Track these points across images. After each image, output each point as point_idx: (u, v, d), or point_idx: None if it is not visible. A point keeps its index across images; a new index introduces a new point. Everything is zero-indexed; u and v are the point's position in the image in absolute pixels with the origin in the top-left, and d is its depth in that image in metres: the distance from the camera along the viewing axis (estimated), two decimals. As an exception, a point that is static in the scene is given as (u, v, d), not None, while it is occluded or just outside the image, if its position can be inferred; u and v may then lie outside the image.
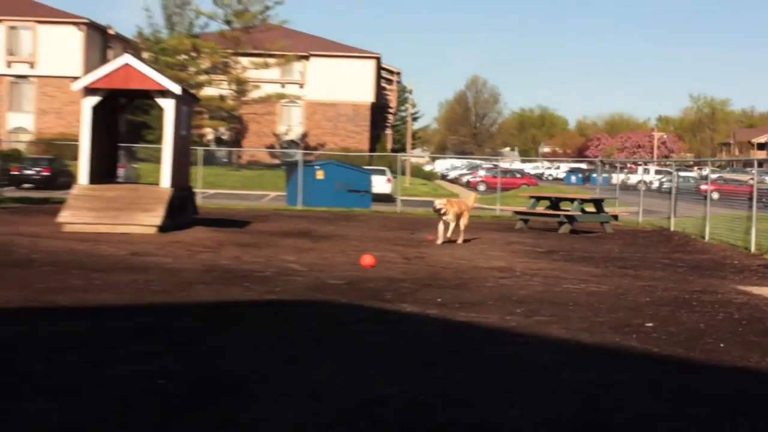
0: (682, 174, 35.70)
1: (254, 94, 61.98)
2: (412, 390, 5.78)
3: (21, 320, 7.93)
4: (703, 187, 30.50)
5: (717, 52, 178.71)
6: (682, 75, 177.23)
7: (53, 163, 44.19)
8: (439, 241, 17.16)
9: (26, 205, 26.61)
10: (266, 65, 60.94)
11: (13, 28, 63.75)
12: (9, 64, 63.58)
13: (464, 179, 68.29)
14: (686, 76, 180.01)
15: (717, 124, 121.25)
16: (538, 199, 25.96)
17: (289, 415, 5.10)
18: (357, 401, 5.46)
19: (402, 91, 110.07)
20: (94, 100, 19.09)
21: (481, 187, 56.80)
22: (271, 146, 66.49)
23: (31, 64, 63.74)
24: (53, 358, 6.36)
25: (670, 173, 35.09)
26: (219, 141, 63.97)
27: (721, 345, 7.70)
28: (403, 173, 51.84)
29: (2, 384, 5.57)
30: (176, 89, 19.15)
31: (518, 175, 65.52)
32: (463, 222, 17.59)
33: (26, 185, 41.28)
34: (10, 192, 35.36)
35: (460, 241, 17.54)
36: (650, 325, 8.58)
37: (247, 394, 5.54)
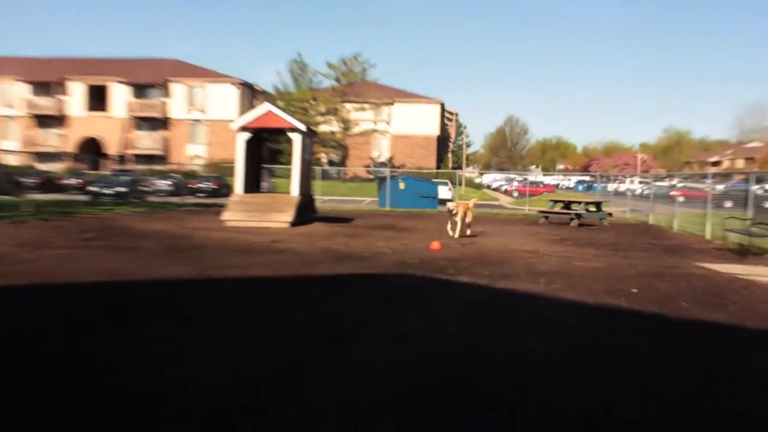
0: (657, 184, 35.00)
1: (355, 130, 63.18)
2: (467, 333, 5.87)
3: (202, 286, 8.17)
4: (672, 193, 29.97)
5: (682, 96, 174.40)
6: (657, 112, 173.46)
7: (219, 179, 45.09)
8: (456, 235, 15.27)
9: (200, 208, 27.21)
10: (363, 109, 62.42)
11: (191, 87, 65.21)
12: (188, 111, 65.06)
13: (503, 188, 67.92)
14: (660, 113, 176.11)
15: (682, 148, 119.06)
16: (556, 201, 25.73)
17: (381, 353, 5.23)
18: (426, 343, 5.56)
19: (459, 126, 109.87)
20: (246, 135, 19.47)
21: (515, 194, 56.31)
22: (368, 166, 66.79)
23: (203, 111, 65.04)
24: (227, 310, 6.58)
25: (648, 183, 34.47)
26: (331, 162, 64.47)
27: (685, 305, 7.59)
28: (460, 184, 52.15)
29: (202, 326, 5.82)
30: (302, 127, 19.43)
31: (541, 185, 64.79)
32: (468, 219, 15.99)
33: (200, 194, 42.16)
34: (190, 199, 36.26)
35: (468, 232, 15.98)
36: (634, 290, 8.49)
37: (357, 336, 5.69)
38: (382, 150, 69.90)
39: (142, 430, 3.59)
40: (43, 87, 65.56)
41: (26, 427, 3.60)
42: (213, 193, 42.59)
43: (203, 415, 3.80)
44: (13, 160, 58.08)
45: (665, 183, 41.55)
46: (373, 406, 4.05)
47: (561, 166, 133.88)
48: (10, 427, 3.56)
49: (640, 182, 54.85)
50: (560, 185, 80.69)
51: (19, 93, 65.50)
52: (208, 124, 64.97)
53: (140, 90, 65.21)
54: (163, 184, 41.00)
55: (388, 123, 69.36)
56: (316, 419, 3.81)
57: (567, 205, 24.54)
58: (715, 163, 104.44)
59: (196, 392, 4.18)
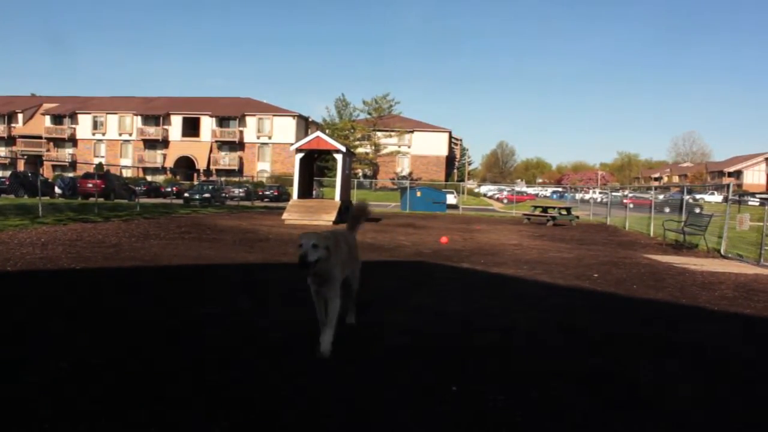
0: (613, 194, 34.70)
1: (384, 152, 63.53)
2: (466, 308, 5.83)
3: (264, 269, 8.18)
4: (625, 201, 29.70)
5: (632, 125, 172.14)
6: (613, 138, 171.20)
7: (280, 188, 45.29)
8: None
9: (266, 210, 27.32)
10: (390, 136, 63.04)
11: (260, 119, 65.48)
12: (258, 137, 65.38)
13: (495, 197, 67.40)
14: (615, 139, 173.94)
15: (632, 167, 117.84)
16: (536, 207, 25.61)
17: (402, 319, 5.22)
18: (436, 313, 5.55)
19: (462, 149, 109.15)
20: (301, 155, 19.58)
21: (505, 201, 55.86)
22: (392, 178, 66.56)
23: (269, 137, 65.26)
24: (281, 287, 6.61)
25: (606, 193, 34.08)
26: (365, 176, 64.47)
27: (634, 286, 7.50)
28: (463, 193, 52.06)
29: (259, 299, 5.85)
30: (343, 149, 19.49)
31: (525, 194, 64.33)
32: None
33: (266, 199, 42.41)
34: (258, 203, 36.49)
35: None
36: (596, 275, 8.40)
37: (380, 307, 5.68)
38: (403, 167, 69.59)
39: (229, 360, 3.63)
40: (151, 119, 66.56)
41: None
42: (275, 199, 42.88)
43: (271, 341, 3.83)
44: (127, 173, 59.19)
45: (619, 193, 41.09)
46: (392, 342, 4.13)
47: (540, 180, 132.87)
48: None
49: (600, 192, 54.24)
50: (539, 194, 79.91)
51: (133, 124, 66.67)
52: (272, 146, 65.05)
53: (222, 121, 65.62)
54: (238, 191, 41.32)
55: (408, 146, 69.00)
56: (358, 343, 3.94)
57: (544, 209, 24.43)
58: (657, 179, 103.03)
59: (273, 329, 4.22)
